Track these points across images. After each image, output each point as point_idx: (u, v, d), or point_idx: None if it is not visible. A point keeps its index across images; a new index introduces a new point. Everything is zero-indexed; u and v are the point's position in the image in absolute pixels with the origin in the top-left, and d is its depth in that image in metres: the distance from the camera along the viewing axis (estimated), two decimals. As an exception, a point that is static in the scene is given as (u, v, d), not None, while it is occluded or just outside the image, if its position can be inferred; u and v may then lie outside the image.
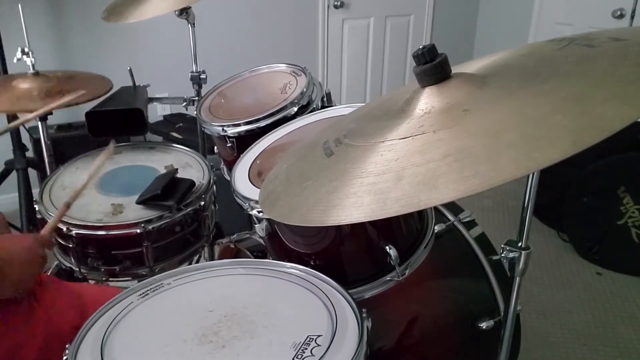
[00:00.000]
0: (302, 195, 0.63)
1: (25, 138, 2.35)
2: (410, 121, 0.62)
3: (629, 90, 0.49)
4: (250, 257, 1.39)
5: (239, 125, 1.30)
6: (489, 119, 0.54)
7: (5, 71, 2.21)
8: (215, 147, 1.48)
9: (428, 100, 0.63)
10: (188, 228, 1.29)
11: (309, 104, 1.33)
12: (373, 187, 0.54)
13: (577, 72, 0.56)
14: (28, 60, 1.48)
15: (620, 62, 0.55)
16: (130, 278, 1.23)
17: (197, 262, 1.36)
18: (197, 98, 1.79)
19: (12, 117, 2.24)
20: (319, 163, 0.68)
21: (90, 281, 1.25)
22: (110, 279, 1.23)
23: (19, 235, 1.11)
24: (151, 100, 1.75)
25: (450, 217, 1.22)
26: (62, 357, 0.69)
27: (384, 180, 0.54)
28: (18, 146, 2.32)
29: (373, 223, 0.94)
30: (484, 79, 0.63)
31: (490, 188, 0.46)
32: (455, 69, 0.67)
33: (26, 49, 1.48)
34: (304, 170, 0.71)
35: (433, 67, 0.64)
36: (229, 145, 1.33)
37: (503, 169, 0.46)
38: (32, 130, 2.34)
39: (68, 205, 1.04)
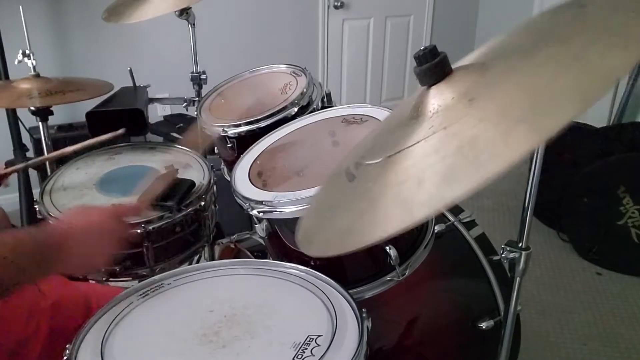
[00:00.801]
0: (335, 224, 0.64)
1: (26, 138, 2.35)
2: (422, 125, 0.62)
3: (626, 36, 0.49)
4: (250, 257, 1.39)
5: (239, 125, 1.30)
6: (495, 101, 0.54)
7: (6, 72, 2.21)
8: (215, 148, 1.48)
9: (434, 100, 0.63)
10: (188, 228, 1.28)
11: (309, 104, 1.33)
12: (398, 198, 0.54)
13: (571, 34, 0.56)
14: (29, 62, 1.49)
15: (613, 12, 0.55)
16: (130, 278, 1.23)
17: (198, 262, 1.36)
18: (197, 98, 1.79)
19: (11, 113, 2.25)
20: (344, 190, 0.69)
21: (90, 281, 1.25)
22: (111, 279, 1.23)
23: (90, 208, 1.04)
24: (151, 100, 1.75)
25: (450, 217, 1.22)
26: (63, 357, 0.69)
27: (406, 188, 0.54)
28: (18, 146, 2.32)
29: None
30: (483, 65, 0.63)
31: (509, 169, 0.45)
32: (454, 65, 0.67)
33: (27, 51, 1.48)
34: (332, 200, 0.72)
35: (433, 66, 0.64)
36: (229, 145, 1.33)
37: (518, 144, 0.46)
38: (33, 131, 2.34)
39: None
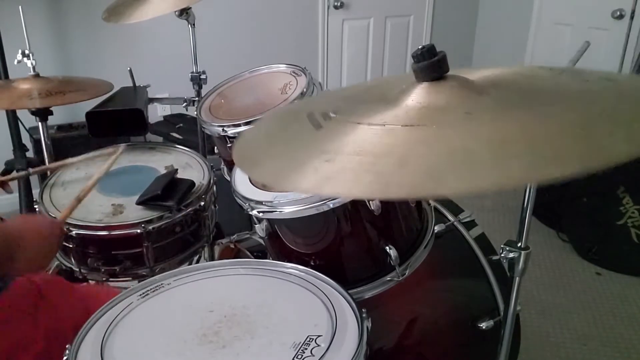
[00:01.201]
0: (291, 162, 0.63)
1: (26, 138, 2.35)
2: (409, 111, 0.62)
3: (632, 128, 0.51)
4: (250, 257, 1.39)
5: (239, 125, 1.30)
6: (494, 127, 0.56)
7: (5, 72, 2.21)
8: (215, 148, 1.48)
9: (425, 94, 0.63)
10: (188, 228, 1.29)
11: (309, 104, 1.33)
12: (373, 167, 0.54)
13: (578, 102, 0.58)
14: (29, 63, 1.48)
15: (618, 99, 0.57)
16: (130, 278, 1.23)
17: (197, 262, 1.36)
18: (197, 98, 1.79)
19: (11, 113, 2.25)
20: (306, 134, 0.68)
21: (90, 281, 1.25)
22: (111, 279, 1.23)
23: (38, 217, 1.17)
24: (151, 100, 1.75)
25: (450, 217, 1.22)
26: (63, 357, 0.69)
27: (384, 162, 0.54)
28: (18, 146, 2.32)
29: (373, 223, 0.94)
30: (481, 87, 0.64)
31: (495, 190, 0.47)
32: (452, 70, 0.67)
33: (27, 51, 1.48)
34: (289, 138, 0.71)
35: (432, 64, 0.64)
36: (229, 145, 1.33)
37: (509, 175, 0.48)
38: (32, 131, 2.34)
39: (79, 200, 1.09)
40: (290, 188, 0.60)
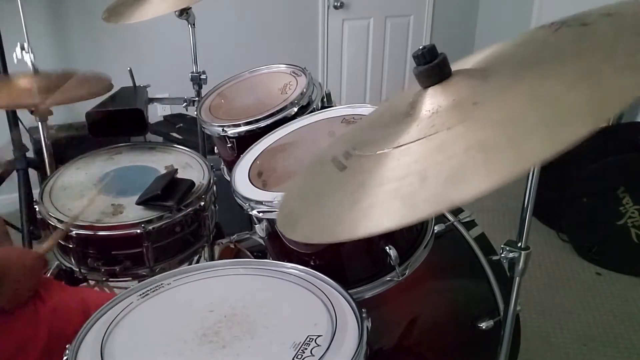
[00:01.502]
0: (324, 212, 0.63)
1: (26, 138, 2.35)
2: (420, 123, 0.61)
3: (636, 59, 0.49)
4: (250, 257, 1.39)
5: (239, 125, 1.30)
6: (502, 108, 0.54)
7: (5, 69, 2.21)
8: (215, 148, 1.48)
9: (433, 100, 0.63)
10: (188, 228, 1.29)
11: (309, 104, 1.33)
12: (398, 193, 0.53)
13: (578, 51, 0.56)
14: (27, 58, 1.48)
15: (619, 34, 0.55)
16: (130, 278, 1.23)
17: (197, 262, 1.36)
18: (197, 98, 1.79)
19: (11, 113, 2.24)
20: (332, 179, 0.68)
21: (90, 281, 1.25)
22: (110, 279, 1.23)
23: (21, 251, 1.19)
24: (151, 100, 1.75)
25: (450, 217, 1.22)
26: (63, 358, 0.69)
27: (407, 184, 0.53)
28: (18, 146, 2.32)
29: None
30: (484, 72, 0.63)
31: (521, 176, 0.45)
32: (453, 67, 0.67)
33: (25, 45, 1.48)
34: (319, 188, 0.71)
35: (433, 67, 0.64)
36: (229, 145, 1.33)
37: (530, 153, 0.46)
38: (32, 131, 2.34)
39: (68, 229, 1.11)
40: (331, 240, 0.59)
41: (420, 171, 0.53)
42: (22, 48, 1.47)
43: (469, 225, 1.23)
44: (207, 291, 0.84)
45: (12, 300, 0.88)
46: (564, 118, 0.47)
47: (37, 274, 0.96)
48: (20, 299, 0.90)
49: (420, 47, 0.63)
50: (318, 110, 1.31)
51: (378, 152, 0.62)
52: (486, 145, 0.50)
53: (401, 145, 0.60)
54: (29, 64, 1.48)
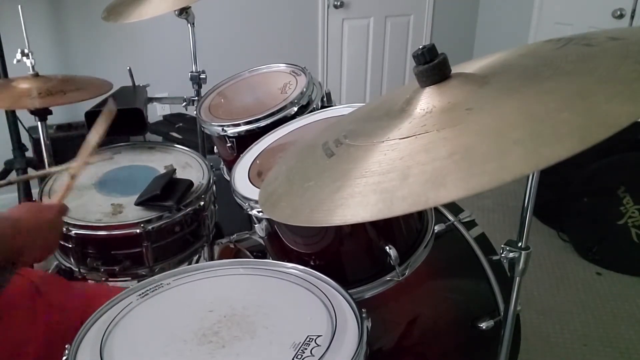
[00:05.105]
0: (305, 196, 0.63)
1: (25, 138, 2.35)
2: (412, 120, 0.62)
3: (633, 88, 0.49)
4: (250, 257, 1.39)
5: (238, 125, 1.30)
6: (494, 117, 0.54)
7: (5, 72, 2.21)
8: (215, 147, 1.48)
9: (429, 100, 0.63)
10: (188, 228, 1.28)
11: (308, 103, 1.33)
12: (378, 187, 0.54)
13: (578, 71, 0.56)
14: (28, 62, 1.48)
15: (621, 60, 0.55)
16: (129, 278, 1.23)
17: (197, 262, 1.36)
18: (196, 98, 1.79)
19: (10, 112, 2.25)
20: (320, 164, 0.68)
21: (89, 281, 1.25)
22: (110, 279, 1.23)
23: (36, 203, 1.16)
24: (151, 100, 1.75)
25: (450, 217, 1.22)
26: (62, 357, 0.69)
27: (389, 179, 0.54)
28: (18, 146, 2.32)
29: (373, 223, 0.94)
30: (484, 78, 0.63)
31: (499, 186, 0.45)
32: (454, 69, 0.67)
33: (26, 50, 1.48)
34: (305, 171, 0.71)
35: (432, 68, 0.63)
36: (229, 145, 1.33)
37: (511, 166, 0.46)
38: (32, 130, 2.34)
39: (73, 177, 1.07)
40: (306, 223, 0.60)
41: (404, 169, 0.54)
42: (23, 53, 1.47)
43: (469, 225, 1.23)
44: (207, 291, 0.84)
45: (36, 255, 0.87)
46: (551, 137, 0.47)
47: (57, 225, 0.93)
48: (44, 252, 0.89)
49: (420, 47, 0.63)
50: (318, 109, 1.31)
51: (366, 144, 0.62)
52: (470, 152, 0.50)
53: (390, 140, 0.60)
54: (30, 68, 1.48)
